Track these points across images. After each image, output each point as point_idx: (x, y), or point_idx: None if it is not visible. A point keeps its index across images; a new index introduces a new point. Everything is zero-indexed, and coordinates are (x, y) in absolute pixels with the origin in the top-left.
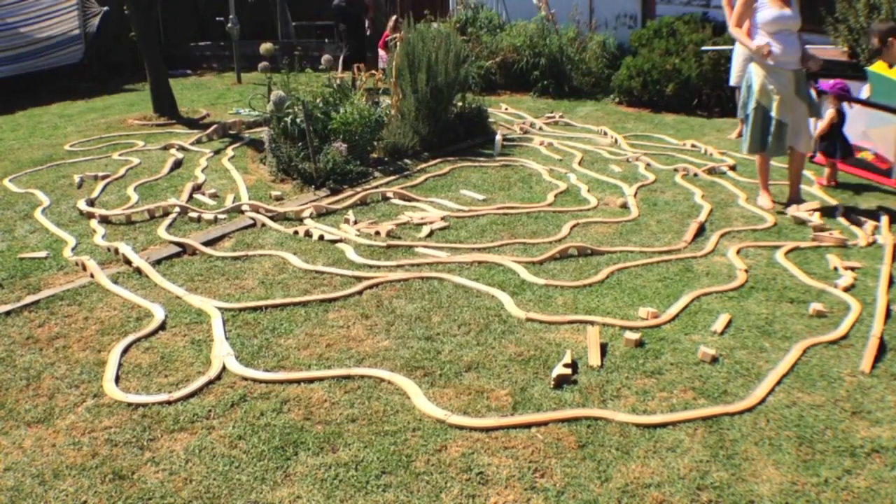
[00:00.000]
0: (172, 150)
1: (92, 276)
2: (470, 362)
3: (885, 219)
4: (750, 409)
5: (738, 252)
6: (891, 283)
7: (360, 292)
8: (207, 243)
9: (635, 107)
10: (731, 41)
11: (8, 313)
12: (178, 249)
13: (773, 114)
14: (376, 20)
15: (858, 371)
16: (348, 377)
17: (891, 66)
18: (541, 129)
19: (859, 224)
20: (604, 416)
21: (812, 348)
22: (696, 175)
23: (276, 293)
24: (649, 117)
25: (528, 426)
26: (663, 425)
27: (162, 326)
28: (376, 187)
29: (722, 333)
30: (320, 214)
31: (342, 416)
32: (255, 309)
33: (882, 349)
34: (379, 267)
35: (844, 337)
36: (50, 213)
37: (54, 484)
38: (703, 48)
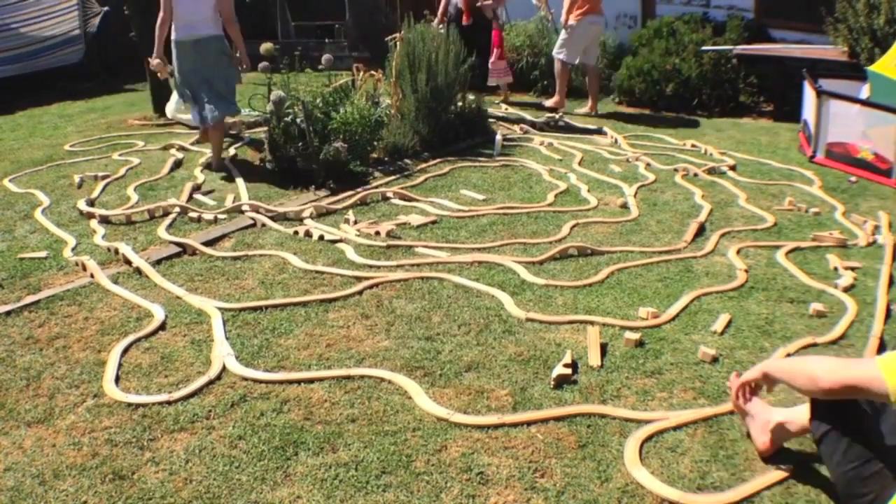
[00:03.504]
0: (172, 151)
1: (92, 276)
2: (470, 362)
3: (885, 219)
4: None
5: (738, 252)
6: (891, 283)
7: (360, 292)
8: (207, 243)
9: (635, 107)
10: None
11: (8, 313)
12: (178, 249)
13: None
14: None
15: None
16: (348, 377)
17: None
18: (541, 129)
19: (859, 224)
20: (606, 412)
21: (812, 348)
22: (696, 175)
23: (276, 293)
24: (649, 117)
25: (531, 423)
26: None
27: (162, 326)
28: (376, 187)
29: (722, 333)
30: (320, 214)
31: (342, 416)
32: (255, 309)
33: (882, 349)
34: (379, 267)
35: (843, 337)
36: (50, 213)
37: (54, 484)
38: (703, 48)
